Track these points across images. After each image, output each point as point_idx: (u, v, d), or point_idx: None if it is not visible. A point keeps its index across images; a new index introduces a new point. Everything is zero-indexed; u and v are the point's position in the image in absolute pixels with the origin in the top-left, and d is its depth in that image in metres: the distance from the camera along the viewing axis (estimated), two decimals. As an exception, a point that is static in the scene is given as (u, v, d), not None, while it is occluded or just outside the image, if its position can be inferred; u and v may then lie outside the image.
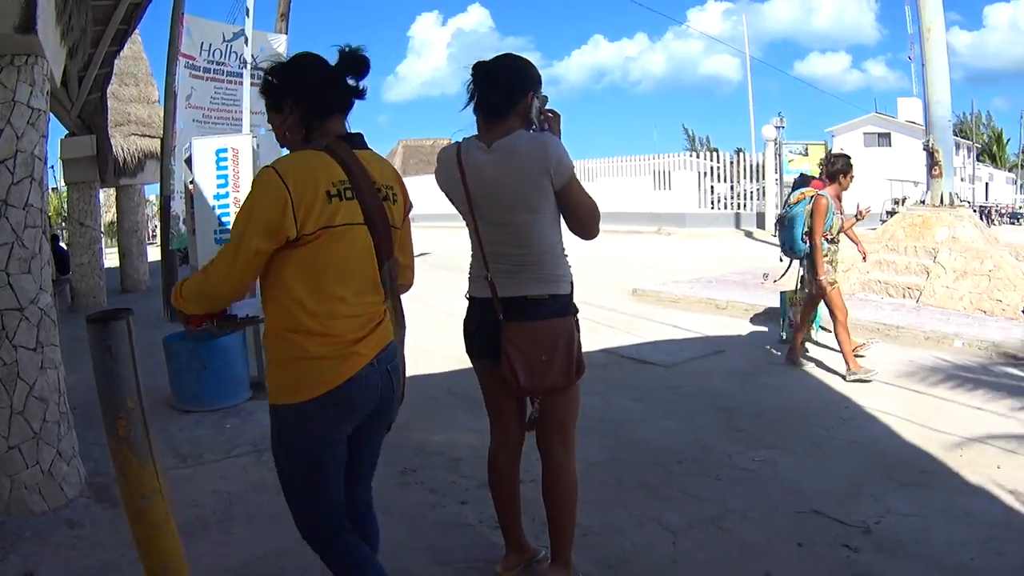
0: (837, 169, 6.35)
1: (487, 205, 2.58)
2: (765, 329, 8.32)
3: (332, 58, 2.17)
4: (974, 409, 5.44)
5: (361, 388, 2.06)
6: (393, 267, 2.20)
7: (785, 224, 6.46)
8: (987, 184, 59.35)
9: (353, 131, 2.21)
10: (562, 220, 2.67)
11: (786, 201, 6.78)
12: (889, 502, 3.88)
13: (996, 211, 43.60)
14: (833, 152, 7.21)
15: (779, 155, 25.55)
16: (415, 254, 2.49)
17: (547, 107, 2.64)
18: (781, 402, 5.71)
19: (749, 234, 23.23)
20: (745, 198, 27.15)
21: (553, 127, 2.61)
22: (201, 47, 9.12)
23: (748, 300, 9.45)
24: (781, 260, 6.92)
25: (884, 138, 53.57)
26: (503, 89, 2.57)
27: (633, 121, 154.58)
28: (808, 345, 7.25)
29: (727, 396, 5.81)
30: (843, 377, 6.20)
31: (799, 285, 7.09)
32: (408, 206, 2.30)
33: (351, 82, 2.18)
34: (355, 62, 2.16)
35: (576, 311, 2.71)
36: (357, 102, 2.23)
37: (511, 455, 2.91)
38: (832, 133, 55.46)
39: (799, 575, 3.16)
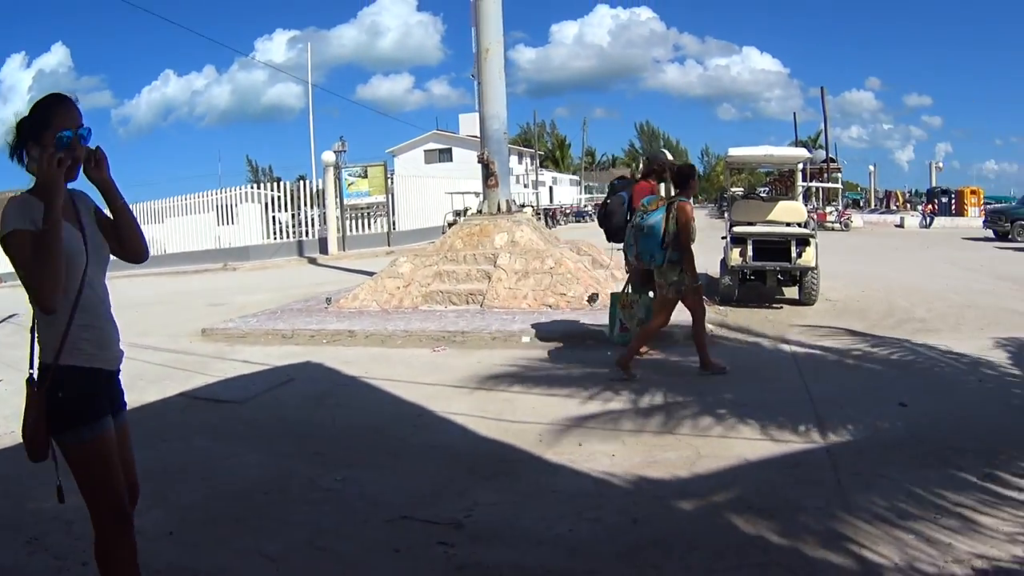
0: (687, 175, 6.98)
1: None
2: (329, 353, 8.73)
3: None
4: (547, 397, 6.22)
5: None
6: None
7: (643, 232, 6.59)
8: (551, 187, 68.81)
9: None
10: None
11: (607, 206, 7.02)
12: (476, 495, 4.26)
13: (561, 212, 50.42)
14: (668, 160, 7.82)
15: (339, 179, 27.71)
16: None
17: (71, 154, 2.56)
18: (354, 420, 6.03)
19: (313, 260, 24.71)
20: (308, 225, 28.87)
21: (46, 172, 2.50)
22: None
23: (313, 326, 10.05)
24: (627, 271, 7.05)
25: (445, 153, 59.17)
26: (11, 146, 2.64)
27: (199, 157, 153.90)
28: (385, 358, 7.44)
29: (301, 422, 6.06)
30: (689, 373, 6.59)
31: (629, 289, 7.39)
32: None
33: None
34: None
35: (58, 386, 2.63)
36: None
37: None
38: (393, 153, 59.44)
39: (404, 579, 3.41)
